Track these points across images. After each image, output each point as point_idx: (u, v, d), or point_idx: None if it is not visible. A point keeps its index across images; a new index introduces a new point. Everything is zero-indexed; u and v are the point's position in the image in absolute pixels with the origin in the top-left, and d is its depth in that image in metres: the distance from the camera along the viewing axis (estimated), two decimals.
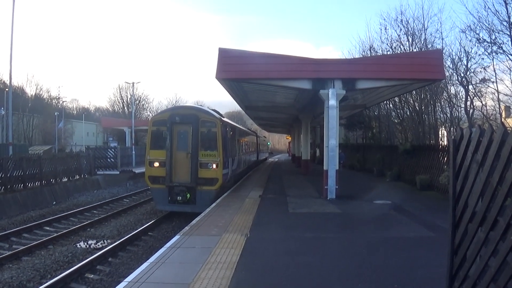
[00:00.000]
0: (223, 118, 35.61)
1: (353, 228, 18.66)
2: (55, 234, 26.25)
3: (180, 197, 29.90)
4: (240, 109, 65.83)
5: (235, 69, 26.71)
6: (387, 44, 50.46)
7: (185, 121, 30.39)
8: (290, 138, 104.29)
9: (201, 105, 38.17)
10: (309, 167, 50.98)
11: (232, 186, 35.95)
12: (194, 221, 20.17)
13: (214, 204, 25.84)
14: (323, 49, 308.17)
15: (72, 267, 19.27)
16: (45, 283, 17.31)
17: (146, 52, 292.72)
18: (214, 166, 30.04)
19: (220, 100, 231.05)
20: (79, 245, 24.09)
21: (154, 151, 31.03)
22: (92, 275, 18.79)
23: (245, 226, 18.61)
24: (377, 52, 52.64)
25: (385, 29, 50.58)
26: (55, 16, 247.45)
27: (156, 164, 30.67)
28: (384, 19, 68.17)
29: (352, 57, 52.71)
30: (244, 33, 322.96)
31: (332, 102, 26.43)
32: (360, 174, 47.25)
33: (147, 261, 13.69)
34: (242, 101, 44.01)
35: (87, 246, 23.83)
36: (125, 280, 11.78)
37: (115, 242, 23.57)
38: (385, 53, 49.07)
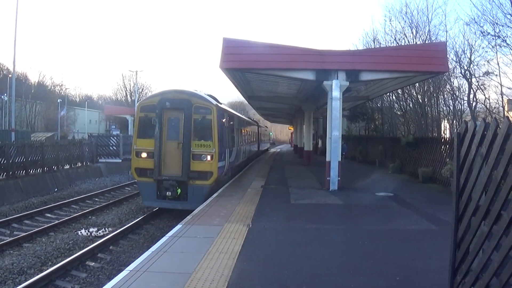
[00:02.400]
0: (219, 104, 31.59)
1: (355, 220, 18.69)
2: (56, 221, 26.30)
3: (170, 193, 27.08)
4: (243, 99, 65.81)
5: (238, 59, 26.60)
6: (391, 36, 50.47)
7: (176, 107, 27.43)
8: (292, 129, 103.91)
9: (195, 90, 31.08)
10: (311, 158, 50.96)
11: (230, 180, 33.42)
12: (196, 211, 20.19)
13: (215, 194, 25.90)
14: (326, 41, 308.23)
15: (73, 254, 19.33)
16: (46, 270, 17.37)
17: (150, 41, 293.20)
18: (209, 158, 27.11)
19: (223, 90, 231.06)
20: (80, 232, 24.13)
21: (141, 140, 27.99)
22: (93, 263, 18.83)
23: (247, 217, 18.64)
24: (381, 44, 52.64)
25: (390, 21, 50.53)
26: (59, 3, 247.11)
27: (144, 154, 27.74)
28: (389, 11, 68.40)
29: (356, 49, 52.61)
30: (247, 24, 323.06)
31: (336, 93, 26.39)
32: (362, 166, 47.13)
33: (149, 249, 13.74)
34: (245, 91, 43.94)
35: (88, 233, 23.87)
36: (127, 268, 11.81)
37: (116, 230, 23.64)
38: (389, 45, 49.03)
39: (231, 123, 35.62)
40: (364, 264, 12.18)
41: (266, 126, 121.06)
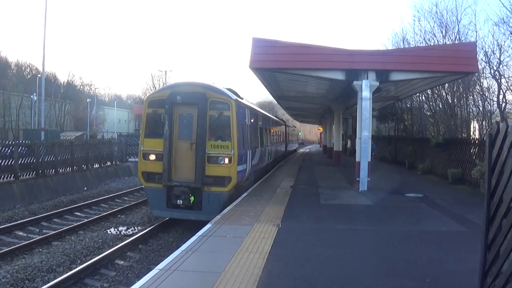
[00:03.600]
0: (240, 99, 27.59)
1: (385, 221, 18.60)
2: (86, 220, 26.60)
3: (181, 201, 23.95)
4: (271, 99, 65.67)
5: (268, 59, 26.44)
6: (420, 36, 50.05)
7: (189, 101, 24.33)
8: (321, 129, 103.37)
9: (212, 83, 26.99)
10: (341, 158, 50.78)
11: (253, 185, 29.62)
12: (225, 210, 20.19)
13: (245, 194, 25.62)
14: (355, 41, 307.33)
15: (102, 253, 19.53)
16: (75, 268, 17.53)
17: (180, 40, 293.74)
18: (226, 160, 23.93)
19: (252, 89, 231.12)
20: (110, 231, 24.48)
21: (149, 140, 24.88)
22: (122, 262, 19.04)
23: (277, 217, 18.61)
24: (410, 44, 52.30)
25: (419, 20, 50.16)
26: (88, 3, 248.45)
27: (152, 156, 24.62)
28: (418, 11, 68.03)
29: (386, 49, 52.39)
30: (276, 24, 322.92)
31: (366, 93, 26.21)
32: (391, 167, 46.92)
33: (179, 249, 13.74)
34: (274, 90, 43.87)
35: (118, 232, 24.20)
36: (157, 267, 11.88)
37: (145, 229, 23.88)
38: (418, 45, 48.70)
39: (254, 121, 32.41)
40: (394, 265, 12.14)
41: (294, 126, 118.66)
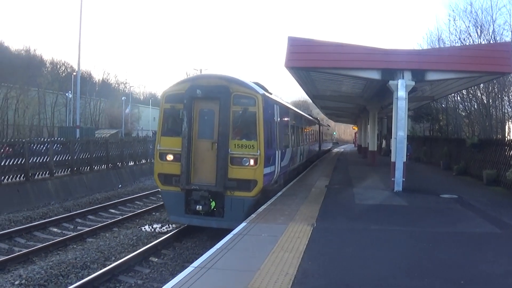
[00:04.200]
0: (268, 94, 25.41)
1: (419, 222, 18.42)
2: (120, 217, 26.87)
3: (201, 206, 21.73)
4: (306, 98, 65.84)
5: (303, 58, 26.35)
6: (456, 35, 49.73)
7: (210, 96, 22.14)
8: (356, 129, 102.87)
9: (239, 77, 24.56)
10: (376, 158, 50.49)
11: (282, 189, 27.22)
12: (260, 209, 20.23)
13: (280, 193, 25.32)
14: (390, 40, 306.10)
15: (137, 250, 19.61)
16: (109, 265, 17.66)
17: (214, 39, 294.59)
18: (252, 162, 21.77)
19: (287, 88, 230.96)
20: (144, 228, 24.63)
21: (167, 138, 23.01)
22: (156, 259, 19.14)
23: (312, 216, 18.54)
24: (445, 43, 51.98)
25: (454, 20, 49.86)
26: (123, 2, 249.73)
27: (170, 157, 22.62)
28: (453, 10, 67.61)
29: (421, 48, 52.06)
30: (310, 23, 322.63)
31: (401, 93, 25.94)
32: (426, 167, 46.56)
33: (214, 247, 13.78)
34: (309, 90, 43.79)
35: (152, 229, 24.36)
36: (192, 265, 11.96)
37: (180, 227, 23.89)
38: (454, 44, 48.38)
39: (284, 118, 29.89)
40: (428, 266, 12.07)
41: (328, 125, 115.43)
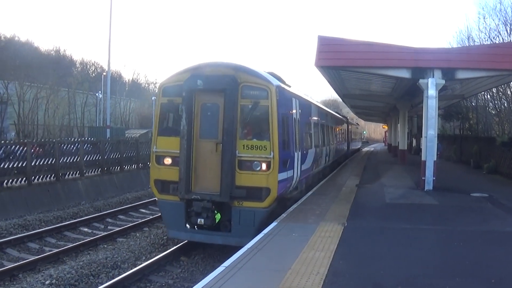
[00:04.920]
0: (284, 86, 21.73)
1: (450, 220, 18.24)
2: (151, 217, 26.86)
3: (203, 219, 18.50)
4: (336, 97, 65.73)
5: (333, 57, 26.20)
6: (485, 33, 49.51)
7: (214, 87, 18.88)
8: (386, 127, 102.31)
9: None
10: (406, 157, 50.18)
11: (303, 196, 23.91)
12: (291, 208, 20.07)
13: (310, 193, 25.01)
14: (420, 39, 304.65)
15: (167, 249, 19.64)
16: (139, 264, 17.71)
17: (243, 38, 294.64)
18: (264, 166, 18.44)
19: (316, 88, 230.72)
20: None
21: (164, 138, 19.91)
22: (187, 259, 19.04)
23: (342, 215, 18.49)
24: (475, 42, 51.72)
25: (483, 18, 49.68)
26: (153, 1, 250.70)
27: (168, 160, 19.52)
28: (482, 8, 67.35)
29: (451, 47, 51.81)
30: (338, 22, 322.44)
31: (432, 92, 25.71)
32: (456, 166, 46.27)
33: (245, 246, 13.81)
34: (339, 89, 43.64)
35: None
36: (223, 265, 11.94)
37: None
38: (484, 42, 48.12)
39: (306, 115, 26.67)
40: (459, 265, 12.03)
41: (357, 124, 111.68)
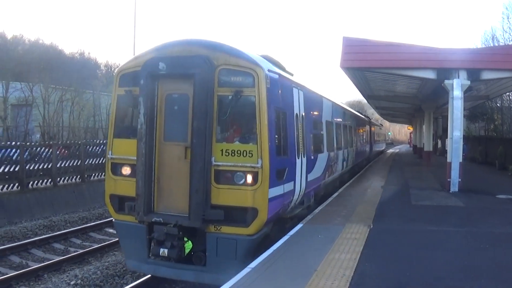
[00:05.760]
0: (279, 71, 16.19)
1: (476, 222, 18.04)
2: None
3: (166, 249, 13.78)
4: (360, 98, 65.44)
5: (358, 58, 26.12)
6: (510, 33, 49.31)
7: (182, 72, 14.13)
8: (411, 129, 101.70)
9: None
10: (431, 158, 49.86)
11: (309, 214, 19.17)
12: (316, 210, 19.88)
13: (336, 194, 24.75)
14: (445, 40, 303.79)
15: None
16: None
17: (271, 38, 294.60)
18: (249, 179, 13.62)
19: (341, 89, 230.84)
20: None
21: (122, 141, 15.29)
22: None
23: (368, 217, 18.37)
24: (499, 42, 51.48)
25: (507, 18, 49.41)
26: (176, 2, 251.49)
27: (126, 169, 14.93)
28: (506, 8, 67.11)
29: (476, 47, 51.57)
30: (363, 23, 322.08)
31: (457, 92, 25.53)
32: (482, 167, 45.97)
33: (271, 248, 13.71)
34: (364, 90, 43.63)
35: None
36: (249, 266, 11.93)
37: None
38: (508, 43, 47.89)
39: (315, 111, 21.97)
40: (485, 267, 11.88)
41: (381, 124, 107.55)
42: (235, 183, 13.63)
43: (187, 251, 14.32)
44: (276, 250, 13.36)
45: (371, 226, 16.61)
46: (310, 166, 19.16)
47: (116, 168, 15.11)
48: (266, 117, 13.73)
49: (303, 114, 18.30)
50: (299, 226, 16.69)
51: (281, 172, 14.84)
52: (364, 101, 64.68)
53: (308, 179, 18.77)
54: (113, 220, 15.69)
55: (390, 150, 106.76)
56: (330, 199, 23.02)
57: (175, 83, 14.48)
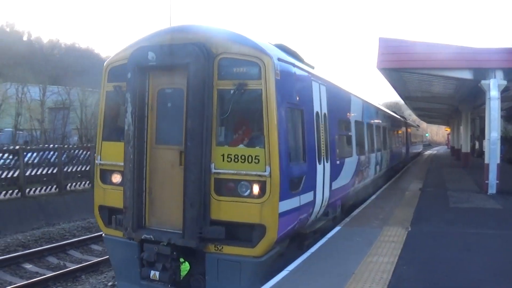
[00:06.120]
0: (293, 60, 13.86)
1: None
2: None
3: (158, 272, 11.85)
4: (397, 99, 64.95)
5: (395, 59, 26.00)
6: None
7: (176, 63, 12.05)
8: (449, 130, 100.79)
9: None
10: (469, 160, 49.38)
11: (329, 231, 16.34)
12: (354, 213, 19.86)
13: (374, 196, 24.69)
14: (481, 39, 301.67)
15: None
16: None
17: (306, 40, 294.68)
18: (255, 189, 11.56)
19: (377, 90, 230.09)
20: None
21: (111, 145, 13.51)
22: None
23: (406, 219, 18.27)
24: None
25: None
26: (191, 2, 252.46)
27: (116, 177, 13.16)
28: None
29: None
30: (396, 23, 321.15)
31: (494, 93, 25.19)
32: None
33: (308, 251, 13.68)
34: (401, 91, 43.34)
35: None
36: (286, 268, 11.92)
37: None
38: None
39: (341, 110, 19.67)
40: None
41: (418, 125, 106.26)
42: (239, 195, 11.67)
43: (183, 273, 12.11)
44: (314, 253, 13.33)
45: (409, 229, 16.52)
46: (335, 172, 16.86)
47: (105, 176, 13.44)
48: (276, 115, 11.53)
49: (326, 112, 15.98)
50: (337, 228, 16.67)
51: (296, 180, 12.73)
52: (402, 102, 64.21)
53: (333, 187, 16.58)
54: (103, 235, 13.88)
55: (428, 152, 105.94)
56: (367, 202, 22.93)
57: (167, 76, 12.60)
